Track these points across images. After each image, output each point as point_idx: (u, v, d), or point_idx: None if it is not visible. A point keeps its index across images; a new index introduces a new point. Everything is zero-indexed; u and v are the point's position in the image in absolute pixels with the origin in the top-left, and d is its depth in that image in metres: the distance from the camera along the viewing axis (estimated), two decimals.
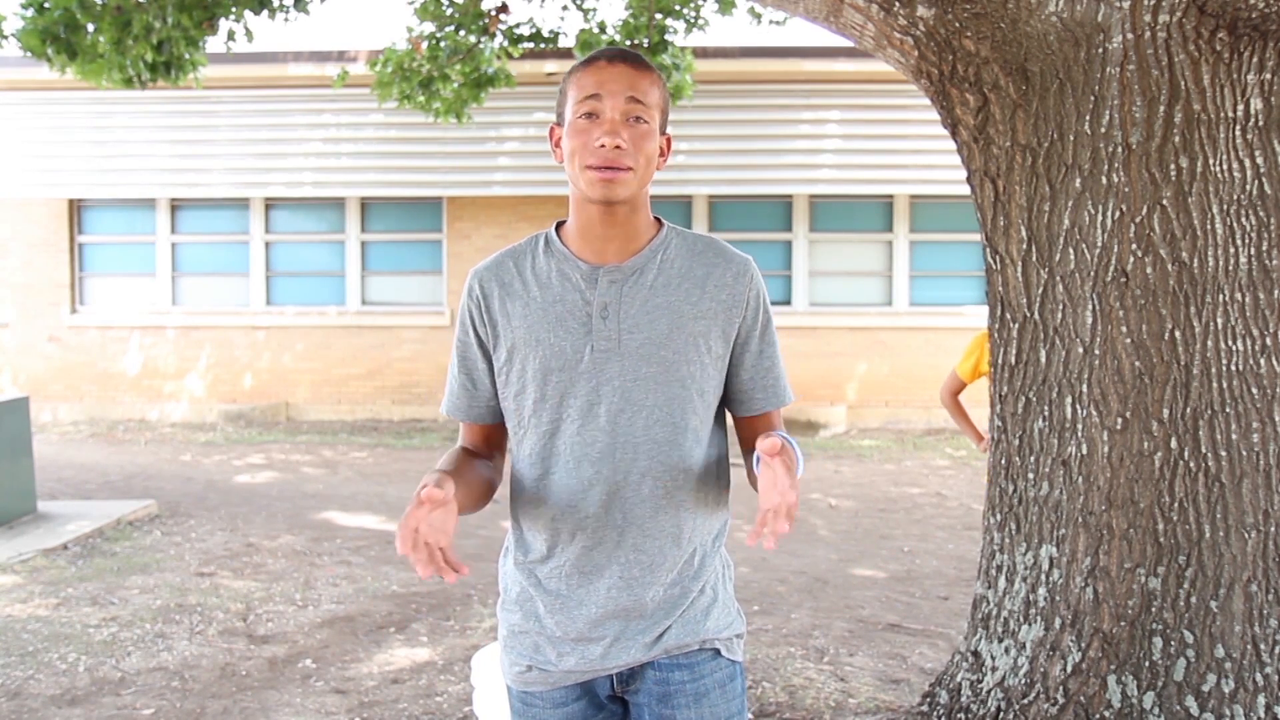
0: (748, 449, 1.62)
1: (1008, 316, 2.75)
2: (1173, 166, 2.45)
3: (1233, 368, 2.47)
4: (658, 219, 1.59)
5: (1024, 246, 2.66)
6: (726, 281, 1.55)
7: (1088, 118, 2.50)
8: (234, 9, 5.75)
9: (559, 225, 1.60)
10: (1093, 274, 2.53)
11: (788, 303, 10.48)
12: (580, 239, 1.55)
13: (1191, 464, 2.48)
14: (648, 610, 1.53)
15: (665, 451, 1.52)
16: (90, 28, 5.40)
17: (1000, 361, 2.80)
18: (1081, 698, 2.54)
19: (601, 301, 1.52)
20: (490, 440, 1.65)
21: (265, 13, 5.88)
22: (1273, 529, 2.49)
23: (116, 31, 5.36)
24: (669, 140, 1.57)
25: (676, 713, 1.54)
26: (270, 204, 10.80)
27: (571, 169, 1.50)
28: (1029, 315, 2.67)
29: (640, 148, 1.48)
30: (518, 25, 7.77)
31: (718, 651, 1.57)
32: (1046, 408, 2.65)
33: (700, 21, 7.81)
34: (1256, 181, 2.46)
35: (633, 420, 1.51)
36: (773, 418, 1.62)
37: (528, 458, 1.57)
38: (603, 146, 1.45)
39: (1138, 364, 2.50)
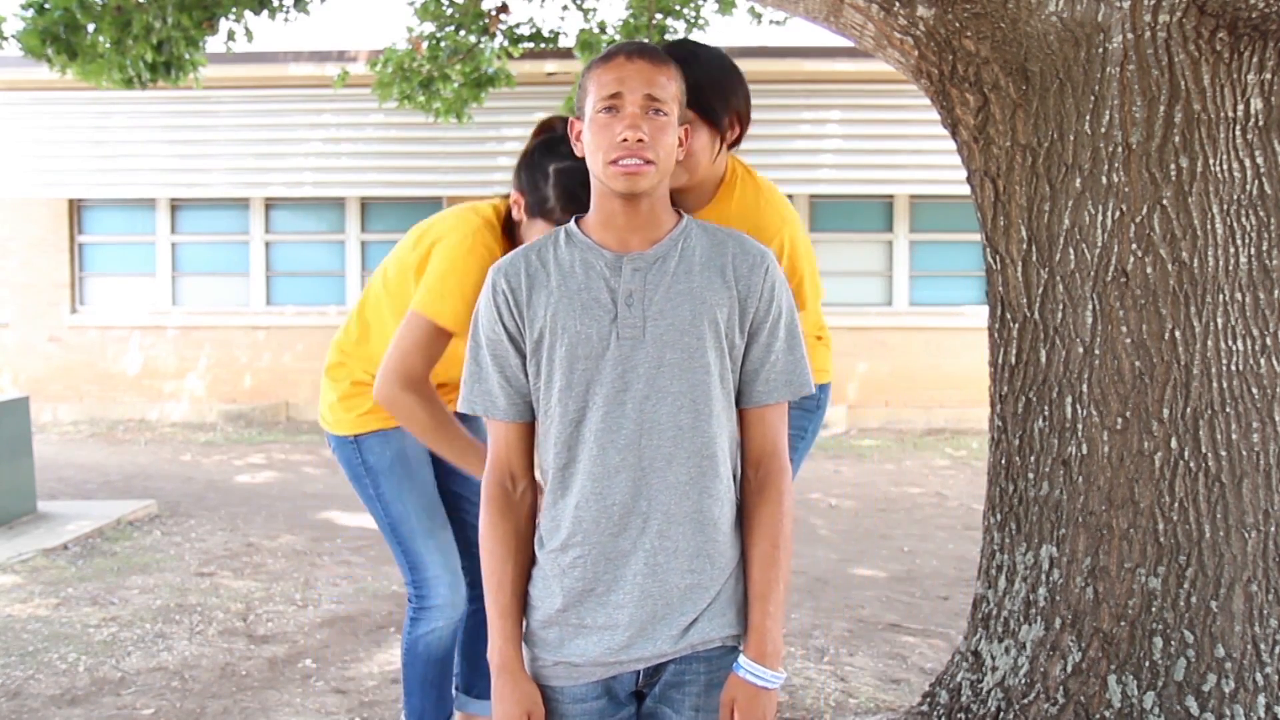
0: (746, 450, 1.63)
1: (1008, 316, 2.75)
2: (1173, 166, 2.44)
3: (1233, 368, 2.47)
4: (678, 210, 1.63)
5: (1024, 246, 2.66)
6: (743, 272, 1.59)
7: (1088, 118, 2.50)
8: (234, 9, 5.75)
9: (578, 219, 1.64)
10: (1093, 274, 2.53)
11: None
12: (603, 229, 1.59)
13: (1191, 464, 2.48)
14: (674, 598, 1.55)
15: (690, 437, 1.54)
16: (90, 28, 5.40)
17: (1000, 361, 2.80)
18: (1081, 698, 2.54)
19: (627, 289, 1.54)
20: (529, 443, 1.65)
21: (265, 13, 5.88)
22: (1273, 529, 2.49)
23: (116, 31, 5.36)
24: (688, 131, 1.62)
25: (685, 699, 1.59)
26: (270, 204, 10.80)
27: (594, 163, 1.54)
28: (1029, 315, 2.67)
29: (660, 140, 1.52)
30: (518, 25, 7.77)
31: (736, 647, 1.61)
32: (1046, 408, 2.65)
33: (700, 21, 7.81)
34: (1256, 181, 2.46)
35: (658, 406, 1.53)
36: (768, 415, 1.61)
37: (553, 446, 1.58)
38: (625, 140, 1.50)
39: (1138, 364, 2.50)
